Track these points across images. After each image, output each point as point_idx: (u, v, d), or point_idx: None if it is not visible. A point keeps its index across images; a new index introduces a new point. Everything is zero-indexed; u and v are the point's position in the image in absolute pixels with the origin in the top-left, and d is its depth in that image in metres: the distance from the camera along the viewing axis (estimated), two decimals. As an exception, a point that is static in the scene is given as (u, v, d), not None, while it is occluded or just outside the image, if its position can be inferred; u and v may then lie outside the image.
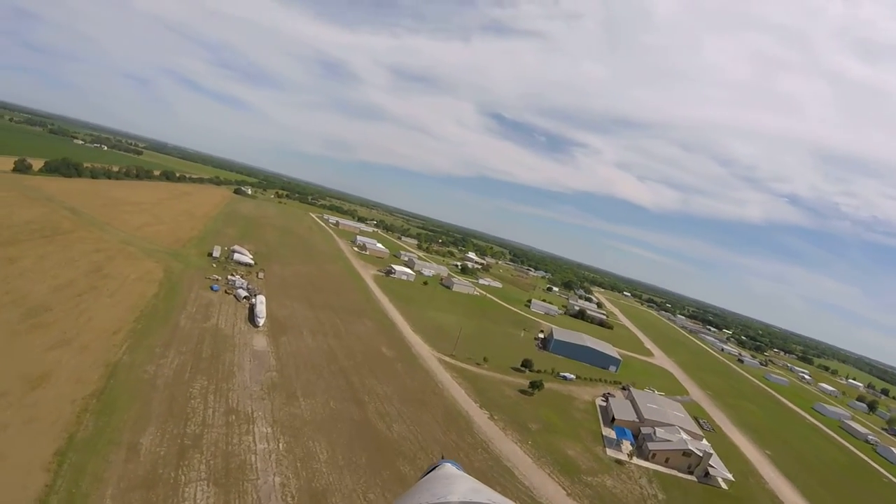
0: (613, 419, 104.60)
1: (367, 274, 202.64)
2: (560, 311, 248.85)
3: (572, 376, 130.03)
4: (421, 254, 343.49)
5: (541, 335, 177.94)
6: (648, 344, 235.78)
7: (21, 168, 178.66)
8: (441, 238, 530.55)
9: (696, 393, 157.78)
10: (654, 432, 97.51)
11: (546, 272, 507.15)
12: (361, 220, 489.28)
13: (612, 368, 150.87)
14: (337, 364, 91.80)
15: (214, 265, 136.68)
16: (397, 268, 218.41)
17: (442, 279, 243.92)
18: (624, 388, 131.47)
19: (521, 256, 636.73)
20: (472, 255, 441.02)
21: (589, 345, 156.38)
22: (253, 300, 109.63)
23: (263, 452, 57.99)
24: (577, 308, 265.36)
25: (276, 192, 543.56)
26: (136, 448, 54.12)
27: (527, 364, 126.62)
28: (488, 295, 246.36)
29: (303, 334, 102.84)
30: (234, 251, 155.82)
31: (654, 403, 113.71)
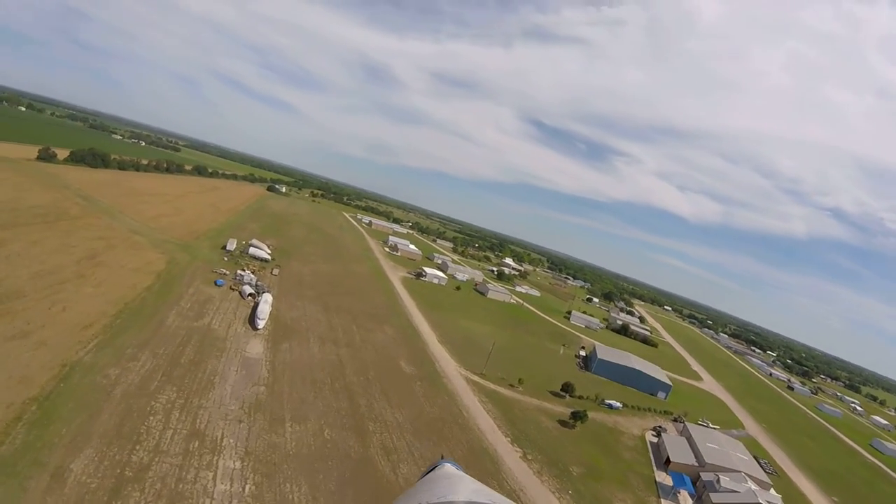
0: (668, 461, 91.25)
1: (396, 276, 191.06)
2: (602, 325, 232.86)
3: (618, 404, 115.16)
4: (456, 257, 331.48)
5: (582, 352, 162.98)
6: (695, 366, 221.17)
7: (45, 156, 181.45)
8: (478, 242, 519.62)
9: (750, 425, 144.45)
10: (718, 480, 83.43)
11: (585, 282, 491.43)
12: (396, 221, 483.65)
13: (662, 395, 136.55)
14: (343, 380, 78.87)
15: (226, 259, 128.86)
16: (428, 270, 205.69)
17: (476, 285, 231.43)
18: (676, 420, 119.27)
19: (559, 264, 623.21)
20: (509, 260, 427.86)
21: (637, 367, 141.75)
22: (258, 299, 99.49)
23: (222, 497, 45.31)
24: (619, 322, 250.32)
25: (312, 192, 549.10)
26: (63, 475, 43.13)
27: (567, 388, 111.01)
28: (525, 304, 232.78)
29: (309, 341, 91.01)
30: (250, 245, 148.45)
31: (713, 442, 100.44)
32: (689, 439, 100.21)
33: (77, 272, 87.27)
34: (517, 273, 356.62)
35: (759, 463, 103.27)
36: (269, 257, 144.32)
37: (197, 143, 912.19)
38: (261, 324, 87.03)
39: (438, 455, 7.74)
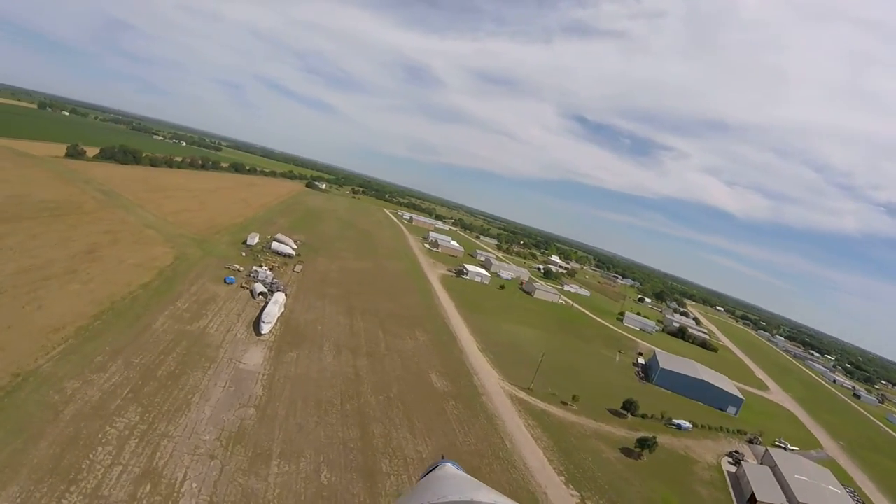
0: (753, 499, 76.94)
1: (435, 274, 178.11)
2: (657, 328, 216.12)
3: (688, 424, 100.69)
4: (500, 255, 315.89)
5: (640, 360, 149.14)
6: (760, 373, 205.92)
7: (73, 154, 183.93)
8: (523, 240, 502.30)
9: (826, 443, 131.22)
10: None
11: (634, 281, 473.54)
12: (439, 217, 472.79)
13: (732, 410, 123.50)
14: (357, 400, 66.02)
15: (244, 254, 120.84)
16: (470, 268, 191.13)
17: (522, 283, 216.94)
18: (752, 442, 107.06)
19: (606, 262, 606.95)
20: (555, 258, 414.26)
21: (704, 378, 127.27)
22: (269, 298, 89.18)
23: (157, 579, 33.20)
24: (675, 325, 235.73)
25: (352, 189, 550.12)
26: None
27: (630, 406, 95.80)
28: (575, 304, 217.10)
29: (322, 349, 79.17)
30: (274, 240, 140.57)
31: (801, 472, 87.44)
32: (774, 469, 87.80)
33: (68, 267, 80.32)
34: (564, 271, 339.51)
35: (851, 497, 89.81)
36: (293, 253, 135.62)
37: (241, 144, 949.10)
38: (266, 328, 76.13)
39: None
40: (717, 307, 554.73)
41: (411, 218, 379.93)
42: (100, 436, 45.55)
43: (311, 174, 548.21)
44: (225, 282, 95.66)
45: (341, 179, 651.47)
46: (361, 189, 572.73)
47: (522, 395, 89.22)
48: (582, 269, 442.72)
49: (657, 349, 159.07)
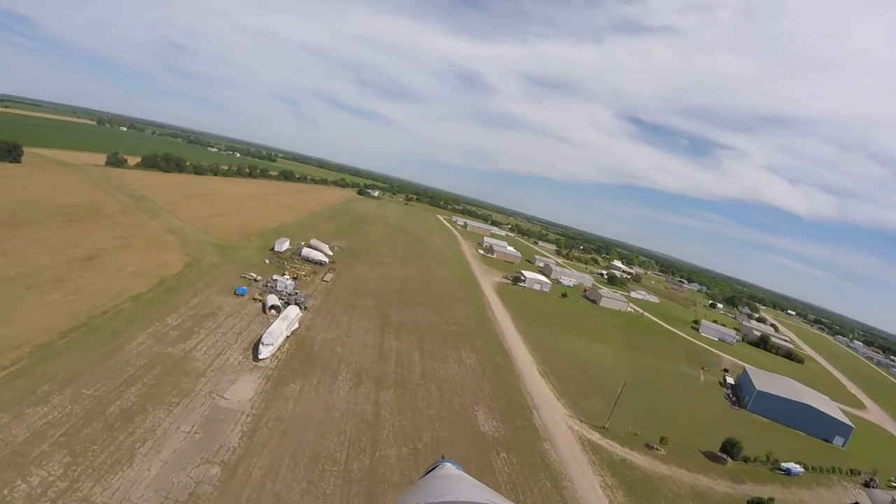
0: None
1: (489, 282, 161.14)
2: (737, 338, 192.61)
3: (798, 468, 79.93)
4: (559, 260, 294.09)
5: (728, 379, 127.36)
6: (851, 387, 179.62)
7: (114, 162, 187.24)
8: (582, 245, 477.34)
9: None
10: None
11: (701, 285, 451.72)
12: (495, 224, 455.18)
13: (838, 441, 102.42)
14: (371, 455, 50.39)
15: (268, 261, 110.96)
16: (528, 274, 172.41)
17: (585, 290, 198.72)
18: (867, 484, 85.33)
19: (669, 267, 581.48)
20: (618, 263, 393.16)
21: (807, 401, 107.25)
22: (283, 313, 76.67)
23: None
24: (756, 333, 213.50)
25: (406, 196, 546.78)
26: None
27: (730, 448, 76.74)
28: (645, 313, 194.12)
29: (337, 379, 64.76)
30: (308, 245, 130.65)
31: None
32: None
33: (57, 276, 72.35)
34: (629, 277, 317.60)
35: None
36: (326, 260, 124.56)
37: (297, 156, 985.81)
38: (265, 352, 62.87)
39: None
40: (789, 311, 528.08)
41: (465, 224, 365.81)
42: (4, 492, 33.43)
43: (364, 182, 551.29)
44: (235, 293, 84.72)
45: (395, 188, 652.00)
46: (416, 196, 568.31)
47: (595, 436, 70.17)
48: (646, 273, 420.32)
49: (747, 366, 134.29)
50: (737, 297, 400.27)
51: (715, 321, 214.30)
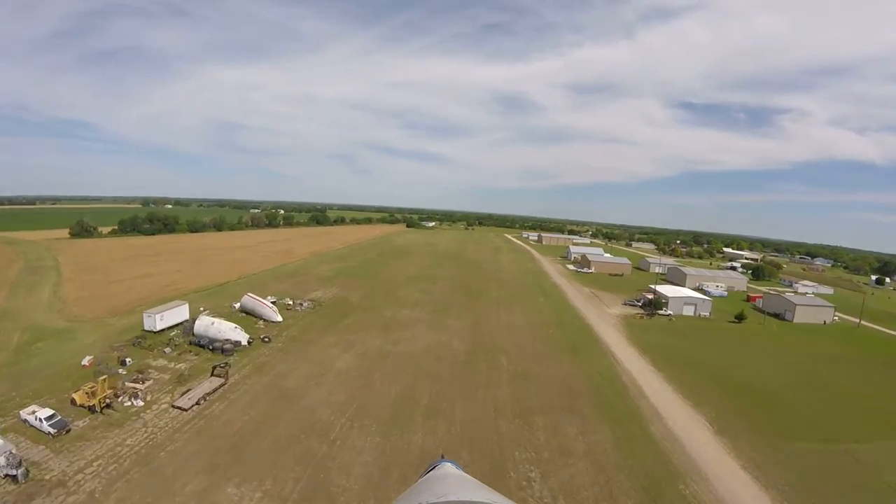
0: None
1: (606, 321, 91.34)
2: None
3: None
4: (673, 260, 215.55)
5: None
6: None
7: (79, 232, 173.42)
8: (678, 239, 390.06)
9: None
10: None
11: (826, 259, 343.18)
12: (573, 233, 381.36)
13: None
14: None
15: (86, 363, 52.84)
16: (668, 292, 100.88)
17: (751, 300, 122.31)
18: None
19: (768, 246, 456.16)
20: (729, 250, 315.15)
21: None
22: None
23: None
24: None
25: (468, 222, 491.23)
26: None
27: None
28: (862, 322, 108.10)
29: None
30: (241, 309, 73.05)
31: None
32: None
33: None
34: (760, 265, 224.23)
35: None
36: (242, 340, 62.99)
37: (353, 206, 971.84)
38: None
39: None
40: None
41: (540, 237, 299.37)
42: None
43: (418, 216, 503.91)
44: None
45: (455, 217, 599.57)
46: (478, 221, 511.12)
47: None
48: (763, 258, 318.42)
49: None
50: (889, 265, 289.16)
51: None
